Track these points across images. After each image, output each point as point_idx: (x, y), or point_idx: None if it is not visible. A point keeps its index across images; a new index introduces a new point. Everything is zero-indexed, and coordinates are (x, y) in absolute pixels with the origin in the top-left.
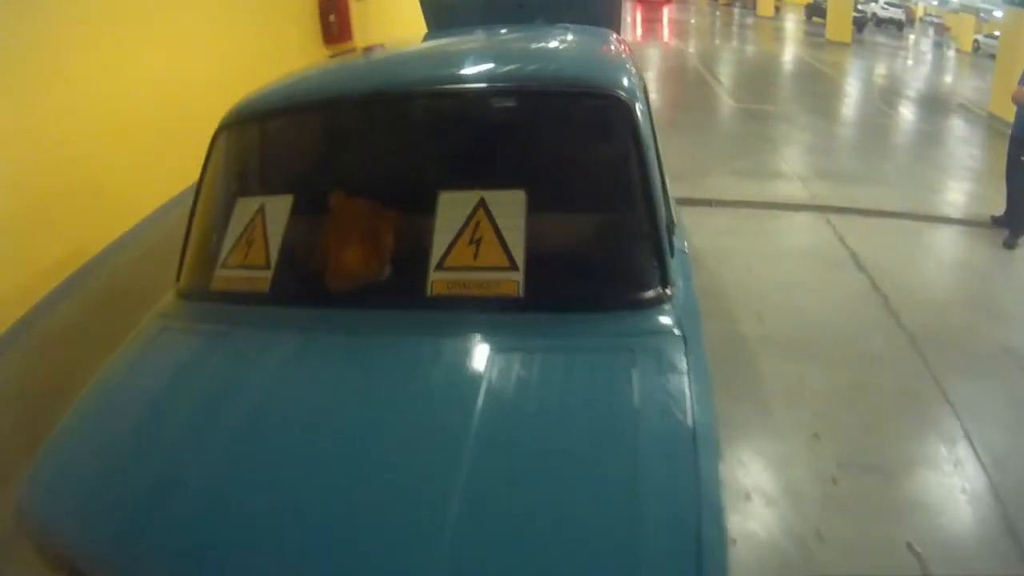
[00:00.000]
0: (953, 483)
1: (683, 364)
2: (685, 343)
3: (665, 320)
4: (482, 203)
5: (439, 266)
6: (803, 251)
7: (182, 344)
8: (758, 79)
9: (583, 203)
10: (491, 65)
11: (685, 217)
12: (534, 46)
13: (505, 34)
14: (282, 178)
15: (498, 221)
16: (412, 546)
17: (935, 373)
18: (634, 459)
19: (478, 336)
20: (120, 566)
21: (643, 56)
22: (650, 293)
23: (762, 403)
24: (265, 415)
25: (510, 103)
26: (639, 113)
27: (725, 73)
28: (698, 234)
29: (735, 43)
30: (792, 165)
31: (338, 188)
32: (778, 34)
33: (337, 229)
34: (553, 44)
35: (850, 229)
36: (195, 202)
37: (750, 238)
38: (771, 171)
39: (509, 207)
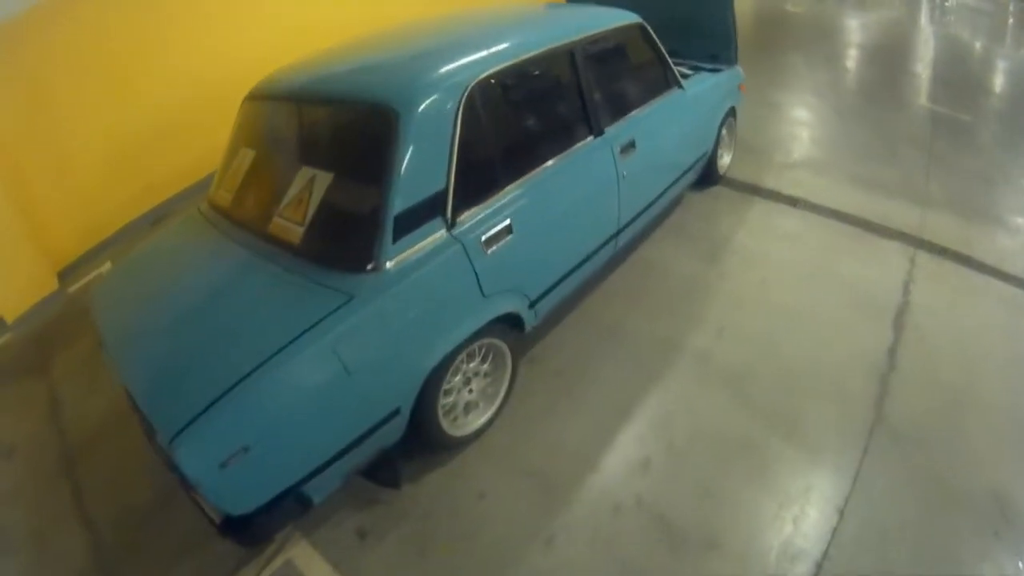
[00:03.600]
0: None
1: (324, 311)
2: (348, 301)
3: (346, 284)
4: (312, 179)
5: (279, 215)
6: (848, 282)
7: (188, 229)
8: (970, 83)
9: (348, 192)
10: (350, 78)
11: (756, 210)
12: (398, 54)
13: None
14: (251, 137)
15: (312, 193)
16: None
17: (861, 474)
18: (259, 332)
19: (266, 259)
20: (107, 341)
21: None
22: (352, 266)
23: (622, 404)
24: (183, 276)
25: (340, 111)
26: (410, 123)
27: (936, 70)
28: (752, 232)
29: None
30: (928, 186)
31: (265, 155)
32: None
33: (252, 181)
34: (422, 49)
35: (930, 276)
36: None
37: (802, 250)
38: (898, 187)
39: (320, 184)
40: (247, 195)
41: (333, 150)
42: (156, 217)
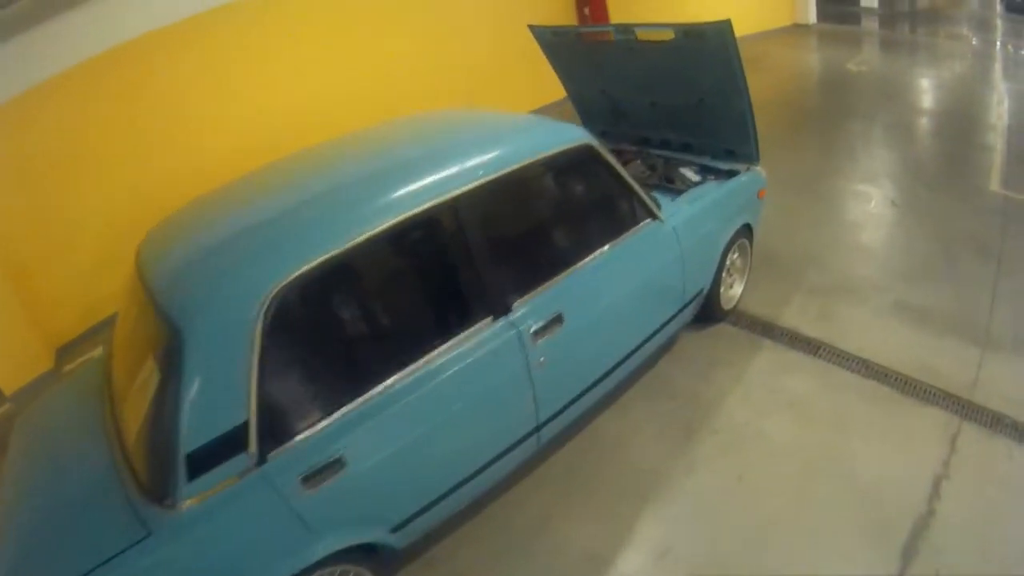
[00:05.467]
0: None
1: (122, 544)
2: (145, 538)
3: (149, 515)
4: (151, 375)
5: (129, 400)
6: (857, 481)
7: (86, 381)
8: None
9: (164, 410)
10: (172, 269)
11: (763, 360)
12: (219, 233)
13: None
14: (130, 293)
15: (148, 391)
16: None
17: None
18: (77, 544)
19: (111, 451)
20: None
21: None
22: (155, 497)
23: None
24: (60, 443)
25: (156, 311)
26: (194, 346)
27: (1010, 141)
28: (749, 397)
29: None
30: (992, 316)
31: (132, 322)
32: None
33: (126, 343)
34: (237, 228)
35: (973, 467)
36: None
37: (808, 429)
38: (953, 318)
39: (152, 384)
40: (123, 357)
41: (158, 356)
42: None
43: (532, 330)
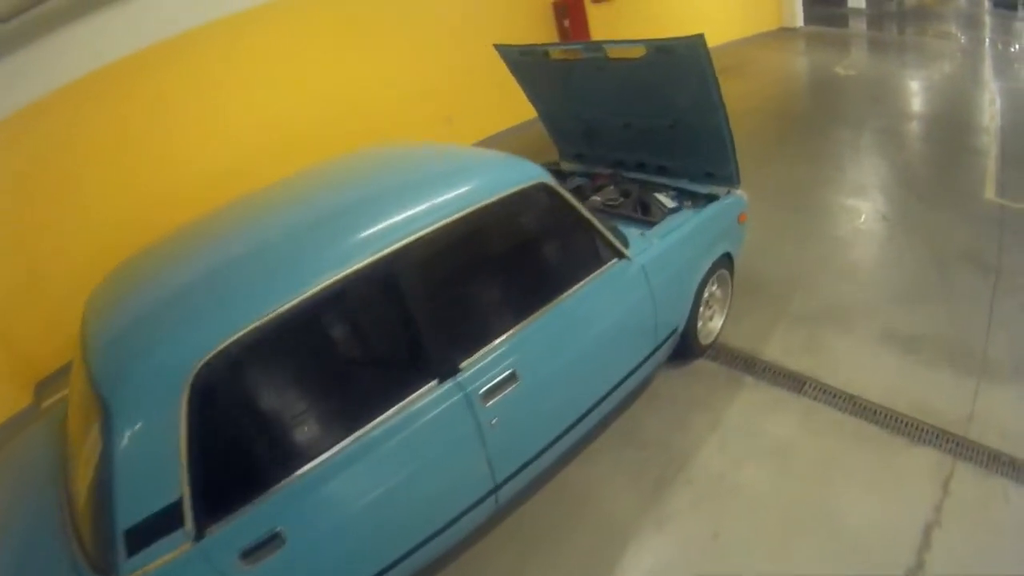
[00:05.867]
0: None
1: None
2: None
3: None
4: (95, 443)
5: (80, 466)
6: (841, 533)
7: (48, 432)
8: None
9: (96, 485)
10: (109, 324)
11: (743, 400)
12: (153, 297)
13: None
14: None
15: (93, 459)
16: None
17: None
18: None
19: (60, 517)
20: None
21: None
22: (98, 571)
23: None
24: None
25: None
26: (121, 419)
27: (1003, 143)
28: (727, 443)
29: None
30: (988, 339)
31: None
32: None
33: (75, 399)
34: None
35: (966, 511)
36: None
37: (789, 476)
38: (947, 343)
39: (96, 455)
40: (73, 413)
41: (95, 424)
42: None
43: (481, 391)
